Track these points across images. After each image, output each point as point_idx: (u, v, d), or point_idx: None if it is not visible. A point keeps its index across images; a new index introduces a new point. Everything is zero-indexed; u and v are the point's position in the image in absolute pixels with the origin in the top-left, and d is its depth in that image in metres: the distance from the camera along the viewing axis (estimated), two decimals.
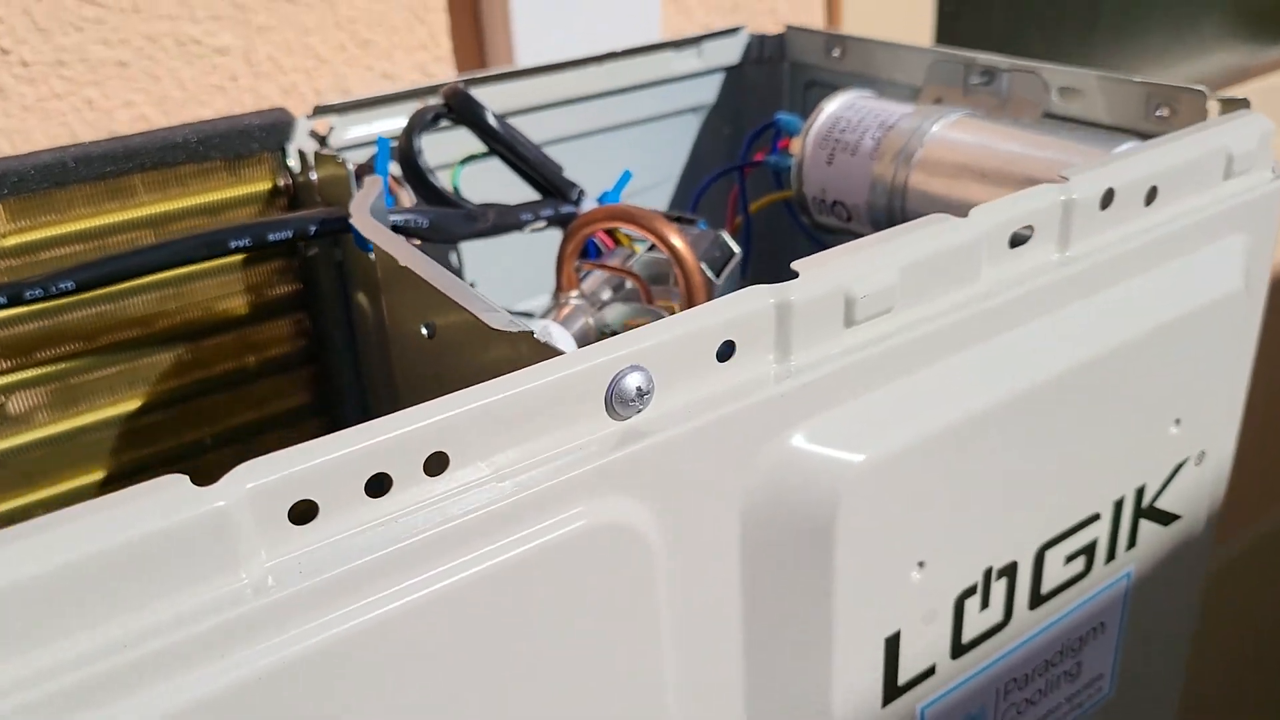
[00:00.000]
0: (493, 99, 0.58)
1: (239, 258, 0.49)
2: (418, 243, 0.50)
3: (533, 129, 0.61)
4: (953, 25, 1.25)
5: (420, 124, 0.50)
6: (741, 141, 0.68)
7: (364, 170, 0.53)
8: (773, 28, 0.66)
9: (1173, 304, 0.39)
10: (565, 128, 0.62)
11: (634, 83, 0.63)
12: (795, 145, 0.55)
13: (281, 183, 0.51)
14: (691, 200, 0.60)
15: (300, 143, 0.52)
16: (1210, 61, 1.80)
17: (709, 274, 0.48)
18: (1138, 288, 0.38)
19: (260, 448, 0.54)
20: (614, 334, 0.48)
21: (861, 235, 0.52)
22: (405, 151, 0.49)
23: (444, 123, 0.52)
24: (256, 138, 0.49)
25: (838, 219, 0.53)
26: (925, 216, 0.34)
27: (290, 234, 0.44)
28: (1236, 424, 0.45)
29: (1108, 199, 0.37)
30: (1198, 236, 0.40)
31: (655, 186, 0.68)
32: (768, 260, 0.72)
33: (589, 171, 0.64)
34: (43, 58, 0.73)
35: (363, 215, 0.38)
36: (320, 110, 0.53)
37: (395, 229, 0.46)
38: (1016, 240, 0.36)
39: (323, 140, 0.53)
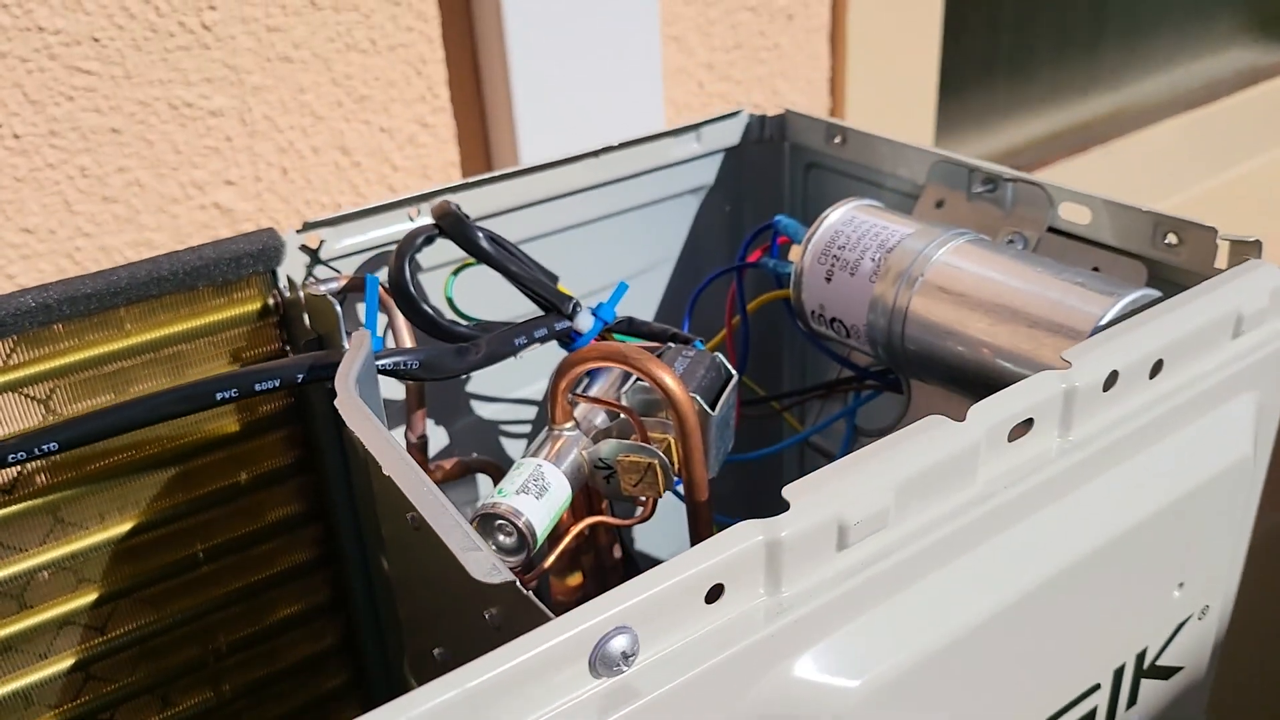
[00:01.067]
0: (489, 198, 0.57)
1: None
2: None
3: (531, 222, 0.60)
4: (960, 26, 1.22)
5: (410, 248, 0.49)
6: (742, 218, 0.67)
7: (354, 286, 0.52)
8: (774, 109, 0.64)
9: (1178, 481, 0.38)
10: (565, 219, 0.61)
11: (633, 171, 0.62)
12: (795, 253, 0.54)
13: (271, 302, 0.50)
14: (689, 302, 0.59)
15: (291, 258, 0.51)
16: (1221, 61, 1.77)
17: (704, 406, 0.47)
18: (1142, 466, 0.37)
19: (256, 558, 0.54)
20: (608, 469, 0.47)
21: (859, 350, 0.51)
22: (396, 278, 0.48)
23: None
24: (245, 264, 0.48)
25: (835, 334, 0.52)
26: (920, 421, 0.33)
27: (277, 383, 0.43)
28: (1239, 570, 0.45)
29: (1111, 380, 0.36)
30: (1205, 403, 0.39)
31: (655, 268, 0.67)
32: (767, 362, 0.72)
33: (589, 258, 0.63)
34: (35, 129, 0.71)
35: (348, 396, 0.37)
36: (309, 226, 0.52)
37: (386, 372, 0.45)
38: (1015, 434, 0.35)
39: (314, 254, 0.53)
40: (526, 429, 0.66)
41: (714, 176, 0.65)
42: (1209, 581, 0.42)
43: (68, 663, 0.49)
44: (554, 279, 0.54)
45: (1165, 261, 0.47)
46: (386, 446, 0.33)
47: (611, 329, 0.54)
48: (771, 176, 0.66)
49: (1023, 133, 1.51)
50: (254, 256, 0.49)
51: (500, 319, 0.53)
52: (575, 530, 0.47)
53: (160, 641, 0.52)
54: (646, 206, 0.64)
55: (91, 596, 0.50)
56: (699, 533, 0.48)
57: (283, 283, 0.50)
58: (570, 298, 0.53)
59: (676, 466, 0.47)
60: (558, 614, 0.49)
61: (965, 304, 0.46)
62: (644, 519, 0.48)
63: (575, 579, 0.50)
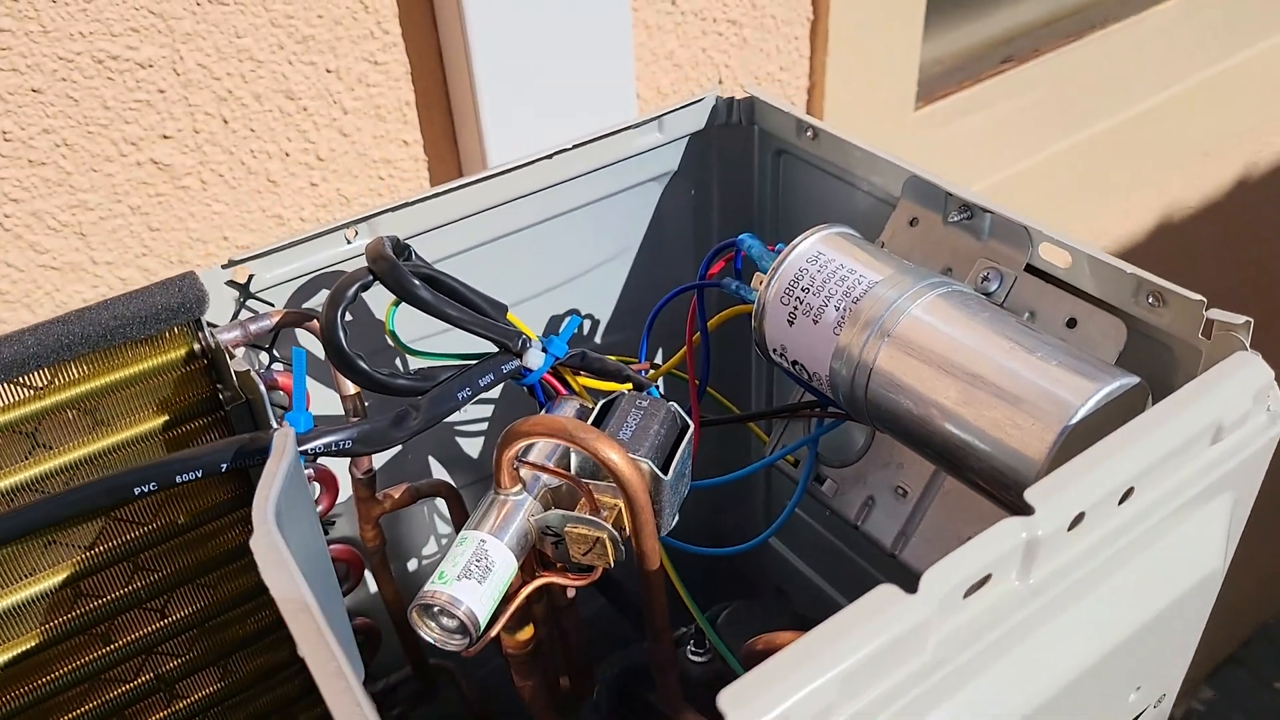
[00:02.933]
0: (436, 211, 0.53)
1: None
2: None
3: (483, 228, 0.56)
4: None
5: (343, 300, 0.45)
6: (709, 203, 0.64)
7: (289, 321, 0.49)
8: (742, 94, 0.60)
9: (1146, 604, 0.37)
10: (518, 220, 0.57)
11: (592, 166, 0.57)
12: (758, 280, 0.51)
13: (197, 347, 0.47)
14: (647, 322, 0.56)
15: (217, 296, 0.48)
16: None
17: (656, 471, 0.45)
18: (1109, 595, 0.36)
19: (203, 585, 0.53)
20: (556, 535, 0.45)
21: (821, 393, 0.49)
22: (330, 335, 0.45)
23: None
24: (165, 319, 0.45)
25: (797, 374, 0.49)
26: (869, 599, 0.31)
27: (199, 474, 0.41)
28: (1191, 654, 0.44)
29: (1076, 521, 0.34)
30: (1177, 517, 0.37)
31: (616, 257, 0.63)
32: (731, 371, 0.69)
33: (546, 256, 0.59)
34: None
35: (266, 535, 0.34)
36: (234, 262, 0.48)
37: (318, 455, 0.43)
38: (970, 591, 0.33)
39: (244, 289, 0.49)
40: (479, 441, 0.63)
41: (678, 163, 0.61)
42: (1166, 676, 0.41)
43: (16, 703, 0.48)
44: (502, 309, 0.50)
45: (1146, 320, 0.44)
46: (305, 621, 0.31)
47: (563, 364, 0.51)
48: (740, 160, 0.62)
49: (1016, 17, 1.43)
50: (174, 310, 0.45)
51: (453, 344, 0.51)
52: (524, 595, 0.45)
53: (111, 674, 0.51)
54: (607, 198, 0.60)
55: (32, 642, 0.49)
56: (651, 601, 0.47)
57: (218, 319, 0.47)
58: (519, 334, 0.50)
59: (626, 533, 0.45)
60: (514, 669, 0.48)
61: (934, 369, 0.43)
62: (594, 581, 0.46)
63: (527, 632, 0.49)
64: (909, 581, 0.31)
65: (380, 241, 0.47)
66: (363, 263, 0.52)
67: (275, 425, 0.43)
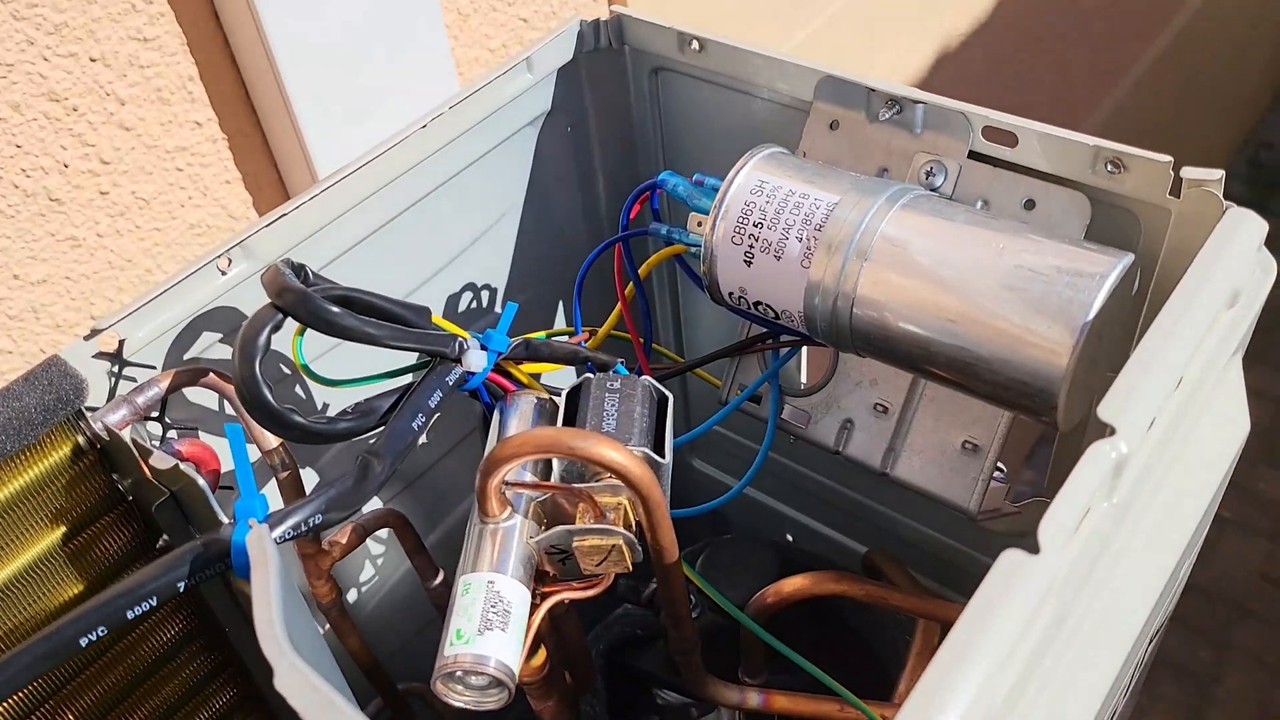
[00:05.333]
0: (316, 212, 0.46)
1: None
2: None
3: (356, 224, 0.49)
4: None
5: (256, 351, 0.38)
6: (587, 137, 0.58)
7: (181, 383, 0.41)
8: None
9: (1206, 484, 0.36)
10: (392, 207, 0.50)
11: (462, 130, 0.51)
12: (695, 223, 0.47)
13: (82, 440, 0.39)
14: (575, 290, 0.51)
15: (87, 374, 0.40)
16: None
17: (654, 458, 0.41)
18: (1175, 486, 0.35)
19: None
20: (563, 552, 0.41)
21: (790, 329, 0.46)
22: (251, 393, 0.38)
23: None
24: (40, 421, 0.37)
25: (761, 314, 0.46)
26: (997, 566, 0.29)
27: (154, 602, 0.34)
28: None
29: (1150, 426, 0.33)
30: (1213, 392, 0.37)
31: (502, 218, 0.57)
32: (675, 327, 0.65)
33: (428, 237, 0.53)
34: None
35: (289, 667, 0.29)
36: (96, 331, 0.40)
37: (287, 540, 0.36)
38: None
39: (116, 358, 0.41)
40: (427, 458, 0.57)
41: (550, 101, 0.55)
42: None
43: None
44: (425, 314, 0.44)
45: (1107, 189, 0.43)
46: None
47: (508, 358, 0.45)
48: (615, 86, 0.57)
49: None
50: (48, 409, 0.37)
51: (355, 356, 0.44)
52: (538, 623, 0.41)
53: None
54: (484, 157, 0.53)
55: None
56: (673, 592, 0.43)
57: (94, 399, 0.39)
58: (452, 337, 0.44)
59: (635, 524, 0.41)
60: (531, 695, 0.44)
61: (926, 286, 0.41)
62: (606, 588, 0.42)
63: (540, 656, 0.44)
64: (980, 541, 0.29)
65: (277, 271, 0.40)
66: (245, 296, 0.45)
67: (223, 517, 0.36)
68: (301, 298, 0.39)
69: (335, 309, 0.39)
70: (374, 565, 0.59)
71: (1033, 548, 0.29)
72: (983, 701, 0.27)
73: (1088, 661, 0.32)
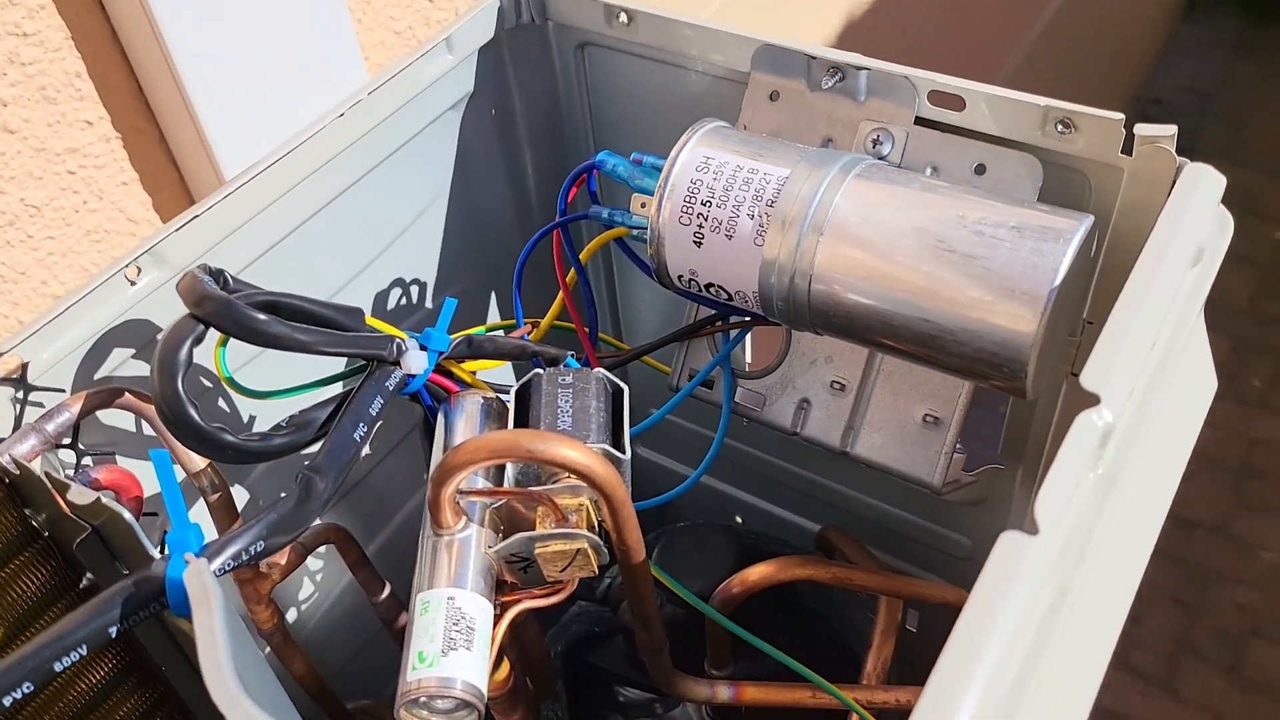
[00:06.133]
0: (231, 212, 0.43)
1: None
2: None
3: (268, 229, 0.46)
4: None
5: (178, 366, 0.35)
6: (512, 119, 0.56)
7: (94, 405, 0.38)
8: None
9: (1182, 444, 0.35)
10: (321, 196, 0.47)
11: (380, 118, 0.48)
12: (638, 204, 0.44)
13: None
14: (514, 279, 0.48)
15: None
16: None
17: (614, 454, 0.39)
18: (1154, 450, 0.34)
19: None
20: (524, 560, 0.38)
21: (744, 310, 0.44)
22: (176, 412, 0.35)
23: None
24: None
25: (713, 298, 0.44)
26: (996, 551, 0.28)
27: (84, 651, 0.31)
28: None
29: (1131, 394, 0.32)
30: (1181, 351, 0.36)
31: (428, 208, 0.54)
32: (612, 314, 0.62)
33: (351, 233, 0.50)
34: None
35: (243, 714, 0.26)
36: None
37: (227, 572, 0.33)
38: None
39: (20, 383, 0.38)
40: (364, 464, 0.54)
41: (473, 83, 0.52)
42: None
43: None
44: (358, 315, 0.41)
45: (1058, 149, 0.42)
46: None
47: (449, 357, 0.43)
48: (539, 64, 0.54)
49: None
50: None
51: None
52: (500, 636, 0.39)
53: None
54: (406, 145, 0.50)
55: None
56: (640, 592, 0.42)
57: None
58: (389, 339, 0.41)
59: (599, 524, 0.39)
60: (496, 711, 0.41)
61: (885, 260, 0.39)
62: (570, 594, 0.40)
63: (504, 670, 0.42)
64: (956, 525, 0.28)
65: (194, 278, 0.37)
66: (157, 307, 0.42)
67: (153, 552, 0.33)
68: (223, 305, 0.36)
69: (261, 316, 0.36)
70: (313, 582, 0.56)
71: (1030, 529, 0.28)
72: (997, 682, 0.26)
73: (1090, 631, 0.31)
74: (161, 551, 0.33)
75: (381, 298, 0.53)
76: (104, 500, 0.32)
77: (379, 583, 0.49)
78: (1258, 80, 2.04)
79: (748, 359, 0.52)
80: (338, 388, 0.42)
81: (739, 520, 0.70)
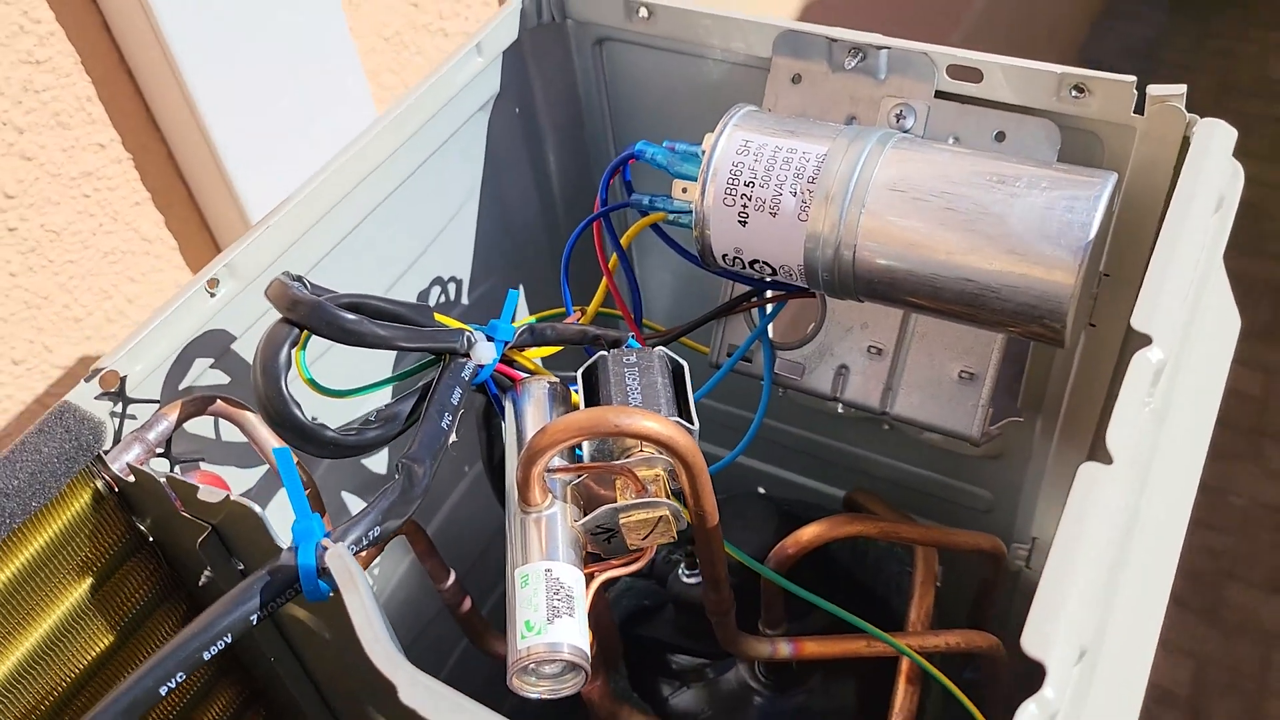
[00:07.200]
0: (294, 221, 0.44)
1: None
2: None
3: (340, 220, 0.48)
4: None
5: (280, 372, 0.37)
6: (535, 117, 0.58)
7: (191, 413, 0.40)
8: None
9: (1217, 378, 0.38)
10: (370, 200, 0.49)
11: (428, 115, 0.50)
12: (679, 189, 0.47)
13: (100, 485, 0.37)
14: (563, 264, 0.50)
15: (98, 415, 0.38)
16: None
17: (685, 425, 0.42)
18: (1195, 385, 0.37)
19: None
20: (609, 530, 0.41)
21: (786, 285, 0.47)
22: (281, 413, 0.37)
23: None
24: (63, 471, 0.35)
25: (756, 273, 0.46)
26: (1077, 483, 0.30)
27: (230, 639, 0.32)
28: None
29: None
30: (1206, 290, 0.39)
31: (463, 206, 0.56)
32: (669, 294, 0.64)
33: (402, 229, 0.52)
34: None
35: (411, 678, 0.28)
36: (96, 371, 0.38)
37: (357, 553, 0.35)
38: None
39: (119, 396, 0.39)
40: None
41: (498, 84, 0.54)
42: None
43: None
44: (427, 312, 0.43)
45: (1073, 113, 0.45)
46: None
47: (515, 346, 0.45)
48: (559, 61, 0.56)
49: None
50: (70, 456, 0.35)
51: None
52: (590, 603, 0.41)
53: None
54: (442, 147, 0.52)
55: None
56: (714, 555, 0.44)
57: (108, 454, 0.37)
58: (459, 333, 0.43)
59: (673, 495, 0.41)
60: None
61: (928, 225, 0.42)
62: (649, 559, 0.43)
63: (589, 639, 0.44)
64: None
65: (283, 285, 0.39)
66: (233, 317, 0.43)
67: (281, 543, 0.35)
68: (316, 308, 0.38)
69: (351, 315, 0.38)
70: (370, 575, 0.58)
71: (1105, 459, 0.31)
72: (1091, 596, 0.28)
73: (1155, 558, 0.34)
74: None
75: (424, 296, 0.55)
76: (233, 499, 0.34)
77: (445, 571, 0.51)
78: (1194, 39, 2.11)
79: (790, 331, 0.55)
80: (406, 383, 0.44)
81: (761, 490, 0.73)
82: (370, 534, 0.35)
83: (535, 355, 0.47)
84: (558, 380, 0.45)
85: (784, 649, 0.51)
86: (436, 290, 0.56)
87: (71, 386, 0.65)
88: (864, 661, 0.52)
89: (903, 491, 0.65)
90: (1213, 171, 0.39)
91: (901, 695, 0.52)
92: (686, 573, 0.57)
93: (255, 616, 0.33)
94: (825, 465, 0.68)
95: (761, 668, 0.57)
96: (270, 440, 0.40)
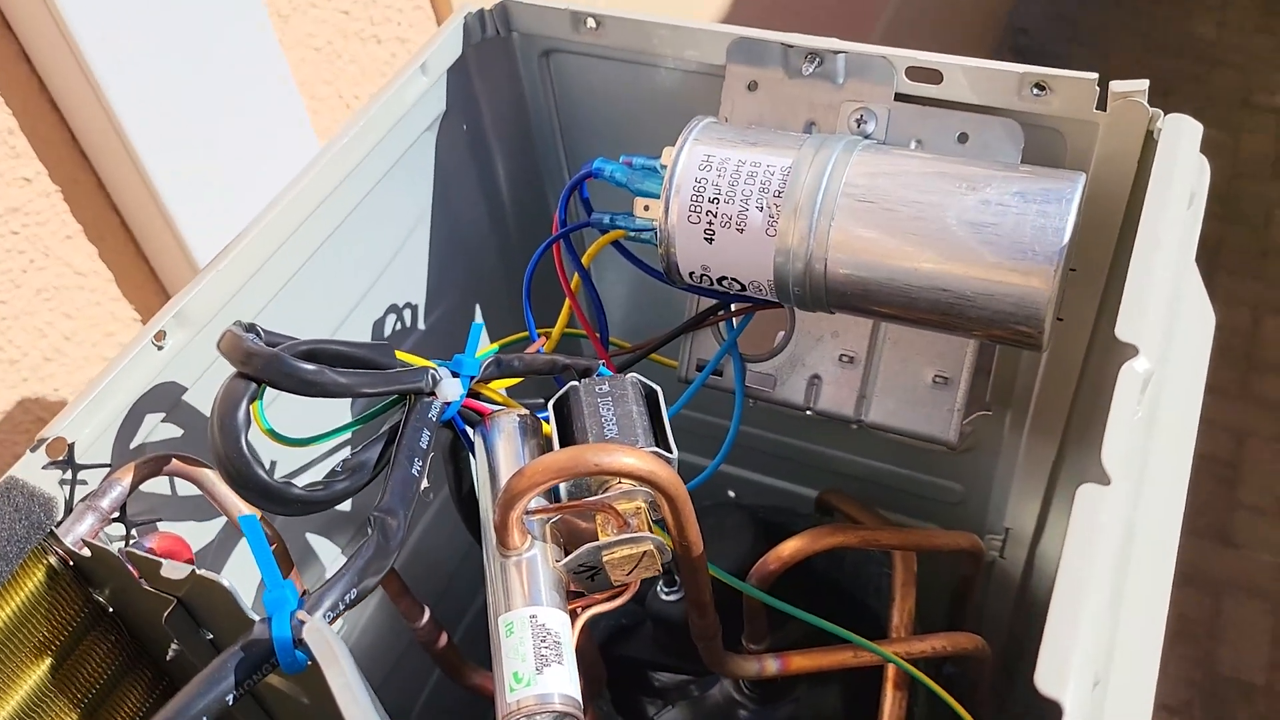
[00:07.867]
0: (243, 263, 0.42)
1: None
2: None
3: (288, 257, 0.46)
4: None
5: (239, 430, 0.35)
6: (483, 133, 0.56)
7: (144, 475, 0.38)
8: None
9: (1198, 369, 0.38)
10: (319, 234, 0.47)
11: (375, 141, 0.48)
12: (641, 207, 0.45)
13: (53, 560, 0.35)
14: (524, 289, 0.48)
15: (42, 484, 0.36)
16: None
17: (664, 455, 0.40)
18: (1180, 384, 0.37)
19: None
20: (592, 568, 0.39)
21: (755, 299, 0.46)
22: (243, 472, 0.35)
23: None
24: (15, 550, 0.33)
25: (723, 289, 0.45)
26: (1077, 504, 0.30)
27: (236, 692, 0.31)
28: None
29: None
30: (1185, 284, 0.39)
31: (413, 231, 0.54)
32: (628, 305, 0.62)
33: (351, 260, 0.50)
34: None
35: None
36: (42, 441, 0.36)
37: (330, 622, 0.34)
38: None
39: (67, 464, 0.37)
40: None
41: (445, 103, 0.52)
42: None
43: None
44: (389, 351, 0.42)
45: (1034, 111, 0.45)
46: None
47: (482, 381, 0.43)
48: (505, 75, 0.54)
49: None
50: (22, 536, 0.33)
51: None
52: (574, 644, 0.40)
53: None
54: (390, 172, 0.50)
55: None
56: (699, 582, 0.43)
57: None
58: (424, 371, 0.41)
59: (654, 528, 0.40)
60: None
61: (899, 236, 0.41)
62: (632, 594, 0.41)
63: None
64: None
65: (235, 337, 0.37)
66: (183, 368, 0.41)
67: (252, 615, 0.33)
68: (271, 360, 0.36)
69: (309, 366, 0.37)
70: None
71: (1102, 479, 0.30)
72: (1100, 613, 0.28)
73: (1154, 554, 0.33)
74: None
75: (379, 325, 0.53)
76: (199, 572, 0.32)
77: (419, 609, 0.50)
78: (1115, 2, 2.13)
79: (753, 344, 0.54)
80: (371, 425, 0.42)
81: (731, 495, 0.72)
82: (347, 597, 0.34)
83: (500, 386, 0.45)
84: (527, 412, 0.44)
85: (771, 666, 0.50)
86: (392, 318, 0.54)
87: (11, 433, 0.61)
88: (849, 669, 0.51)
89: (874, 488, 0.65)
90: (1183, 169, 0.38)
91: (890, 702, 0.51)
92: (665, 590, 0.56)
93: (231, 696, 0.31)
94: (796, 466, 0.67)
95: (746, 681, 0.57)
96: (229, 495, 0.39)
